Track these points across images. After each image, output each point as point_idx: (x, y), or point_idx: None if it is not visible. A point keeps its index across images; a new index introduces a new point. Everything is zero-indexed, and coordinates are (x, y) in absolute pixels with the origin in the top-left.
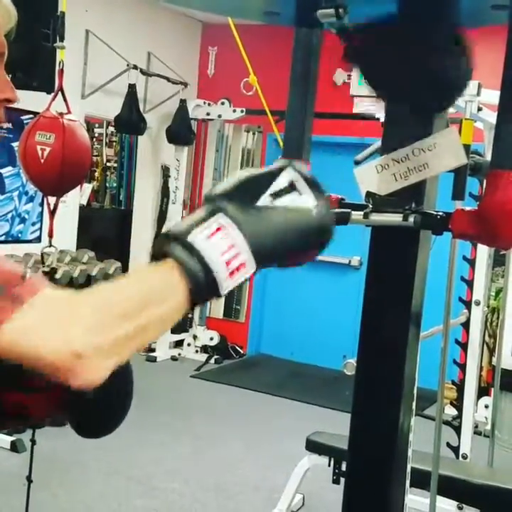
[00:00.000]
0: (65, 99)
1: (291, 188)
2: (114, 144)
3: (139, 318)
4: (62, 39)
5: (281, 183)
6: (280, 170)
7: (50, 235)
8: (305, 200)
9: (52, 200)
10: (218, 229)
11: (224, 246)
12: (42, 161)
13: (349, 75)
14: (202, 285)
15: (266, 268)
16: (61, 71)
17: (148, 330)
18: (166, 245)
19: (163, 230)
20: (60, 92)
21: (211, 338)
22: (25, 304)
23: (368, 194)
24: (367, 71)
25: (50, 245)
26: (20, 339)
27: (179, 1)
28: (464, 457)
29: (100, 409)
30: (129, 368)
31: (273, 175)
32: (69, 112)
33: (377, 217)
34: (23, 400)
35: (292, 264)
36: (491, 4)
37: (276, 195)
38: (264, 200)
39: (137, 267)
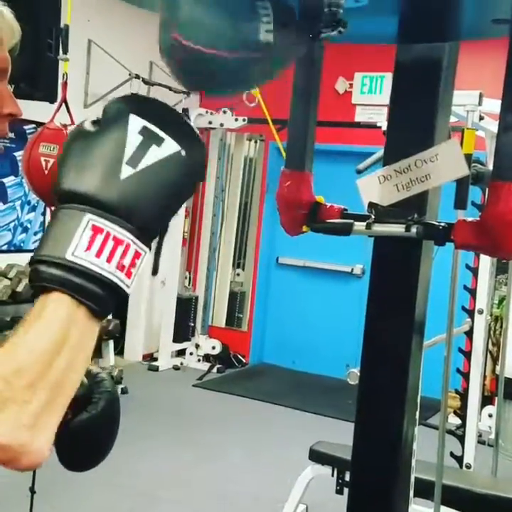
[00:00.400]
0: (68, 111)
1: (149, 138)
2: None
3: (53, 375)
4: (66, 52)
5: (132, 140)
6: (123, 124)
7: None
8: (168, 148)
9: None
10: (94, 231)
11: (107, 247)
12: (46, 172)
13: (351, 84)
14: (105, 301)
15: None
16: (65, 83)
17: (68, 379)
18: (44, 275)
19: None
20: (63, 104)
21: (213, 347)
22: None
23: (371, 205)
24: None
25: None
26: None
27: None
28: (468, 467)
29: (86, 446)
30: (116, 406)
31: (119, 135)
32: (73, 124)
33: (380, 228)
34: None
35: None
36: (492, 18)
37: (134, 157)
38: (124, 171)
39: (26, 314)
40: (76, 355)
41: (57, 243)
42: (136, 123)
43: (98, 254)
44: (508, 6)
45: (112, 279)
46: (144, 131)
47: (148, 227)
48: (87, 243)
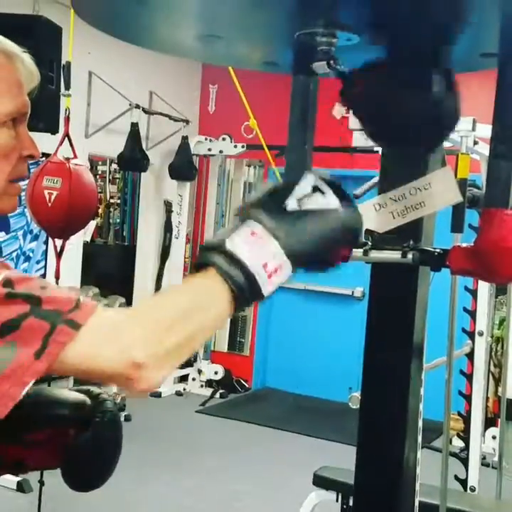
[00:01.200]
0: (71, 145)
1: (315, 191)
2: (118, 180)
3: (187, 328)
4: (68, 87)
5: (304, 187)
6: (303, 177)
7: (57, 277)
8: (329, 201)
9: (58, 242)
10: (252, 234)
11: (259, 250)
12: (49, 204)
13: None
14: (244, 289)
15: (302, 269)
16: (67, 118)
17: (196, 337)
18: (204, 256)
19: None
20: (66, 137)
21: (216, 372)
22: (83, 326)
23: (367, 232)
24: (363, 116)
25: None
26: (84, 358)
27: (179, 52)
28: (472, 490)
29: (89, 465)
30: (118, 426)
31: (296, 182)
32: (75, 157)
33: (377, 255)
34: (21, 453)
35: (326, 265)
36: (481, 52)
37: (302, 199)
38: (291, 204)
39: (183, 279)
40: (206, 320)
41: (223, 236)
42: (312, 178)
43: (250, 251)
44: (496, 41)
45: (253, 272)
46: (316, 186)
47: (296, 255)
48: (244, 239)
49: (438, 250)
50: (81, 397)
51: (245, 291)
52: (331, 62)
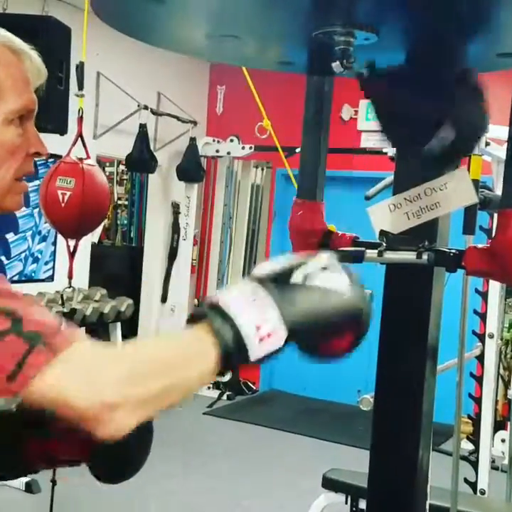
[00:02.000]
0: (84, 145)
1: (325, 269)
2: (125, 182)
3: (167, 379)
4: (81, 88)
5: (314, 265)
6: (313, 256)
7: (70, 277)
8: (337, 282)
9: (71, 242)
10: (252, 296)
11: (255, 312)
12: (63, 205)
13: (356, 111)
14: (231, 349)
15: (298, 344)
16: (80, 118)
17: (175, 391)
18: (202, 309)
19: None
20: (79, 138)
21: (223, 374)
22: (61, 354)
23: (382, 232)
24: (384, 119)
25: (70, 286)
26: (54, 387)
27: (194, 52)
28: (482, 493)
29: (121, 457)
30: (150, 424)
31: (306, 258)
32: (88, 157)
33: (392, 256)
34: (47, 446)
35: (327, 351)
36: (497, 53)
37: (309, 275)
38: (296, 277)
39: (171, 332)
40: (187, 379)
41: (223, 292)
42: (322, 257)
43: (245, 311)
44: None
45: (243, 333)
46: (326, 265)
47: (294, 326)
48: (243, 299)
49: (453, 251)
50: None
51: (232, 353)
52: (350, 61)
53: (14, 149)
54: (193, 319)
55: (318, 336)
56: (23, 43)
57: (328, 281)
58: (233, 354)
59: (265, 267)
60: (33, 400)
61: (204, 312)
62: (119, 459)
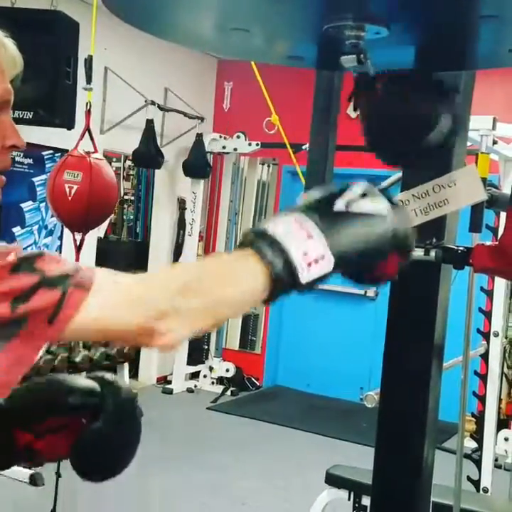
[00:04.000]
0: (92, 139)
1: (365, 196)
2: (132, 177)
3: (215, 293)
4: (89, 81)
5: (354, 192)
6: (354, 184)
7: None
8: (378, 207)
9: (78, 236)
10: (296, 223)
11: (301, 237)
12: (69, 198)
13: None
14: (280, 272)
15: (344, 271)
16: (88, 112)
17: (223, 306)
18: (246, 238)
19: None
20: (87, 132)
21: (227, 370)
22: (92, 287)
23: None
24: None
25: None
26: (98, 320)
27: (203, 46)
28: (485, 491)
29: (100, 453)
30: (138, 420)
31: (346, 186)
32: (96, 151)
33: None
34: (33, 441)
35: (372, 275)
36: (509, 48)
37: (351, 202)
38: (339, 205)
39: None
40: (236, 291)
41: (268, 222)
42: (363, 185)
43: (292, 237)
44: None
45: (292, 257)
46: (366, 192)
47: (340, 253)
48: (288, 227)
49: (461, 248)
50: (93, 384)
51: (281, 275)
52: (361, 55)
53: None
54: (240, 247)
55: (364, 262)
56: None
57: (370, 206)
58: (283, 278)
59: (306, 198)
60: (77, 338)
61: (250, 240)
62: (98, 456)
